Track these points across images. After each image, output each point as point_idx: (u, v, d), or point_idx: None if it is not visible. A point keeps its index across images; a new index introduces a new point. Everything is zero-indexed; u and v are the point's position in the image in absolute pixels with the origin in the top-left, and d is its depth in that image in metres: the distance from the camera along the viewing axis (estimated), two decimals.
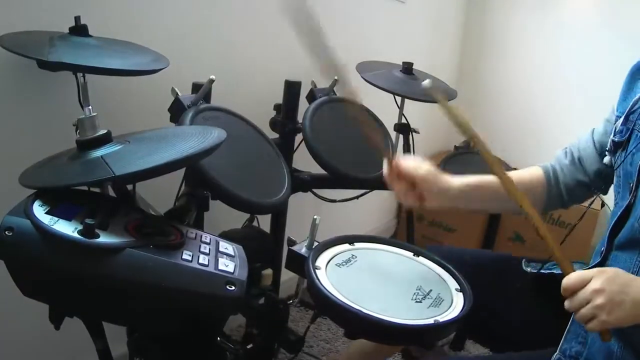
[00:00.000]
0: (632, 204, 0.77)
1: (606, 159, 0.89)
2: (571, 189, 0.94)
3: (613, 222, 0.81)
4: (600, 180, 0.91)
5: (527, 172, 0.98)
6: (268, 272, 1.01)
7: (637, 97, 0.83)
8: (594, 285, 0.69)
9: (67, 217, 0.61)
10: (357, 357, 1.18)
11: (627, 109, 0.83)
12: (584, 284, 0.70)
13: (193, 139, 0.74)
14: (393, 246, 0.89)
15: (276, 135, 1.36)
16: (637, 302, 0.69)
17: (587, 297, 0.69)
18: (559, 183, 0.95)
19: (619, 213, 0.80)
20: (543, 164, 0.99)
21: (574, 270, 0.73)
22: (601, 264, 0.81)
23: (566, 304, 0.72)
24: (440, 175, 0.88)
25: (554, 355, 0.78)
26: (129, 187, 0.81)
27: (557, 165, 0.96)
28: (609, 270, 0.71)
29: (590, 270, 0.72)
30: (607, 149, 0.88)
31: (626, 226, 0.78)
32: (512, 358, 0.83)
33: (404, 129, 1.63)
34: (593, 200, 0.99)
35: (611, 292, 0.68)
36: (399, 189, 0.87)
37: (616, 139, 0.85)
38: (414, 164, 0.87)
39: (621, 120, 0.84)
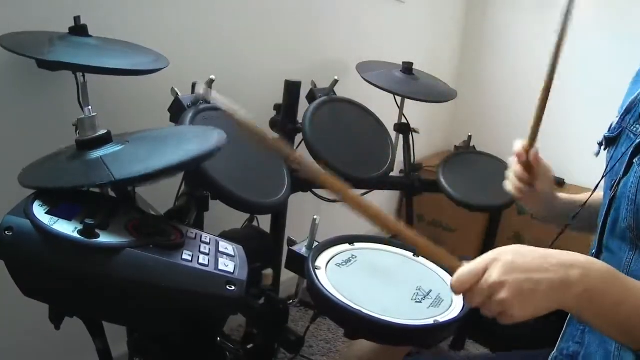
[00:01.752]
0: (613, 201, 0.76)
1: (595, 151, 0.89)
2: None
3: (601, 222, 0.79)
4: None
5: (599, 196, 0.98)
6: (268, 272, 1.01)
7: (633, 96, 0.82)
8: (492, 277, 0.59)
9: (67, 217, 0.61)
10: None
11: (625, 108, 0.83)
12: (478, 277, 0.60)
13: (194, 142, 0.74)
14: (393, 246, 0.89)
15: (276, 135, 1.36)
16: (551, 287, 0.59)
17: (486, 293, 0.59)
18: None
19: (604, 213, 0.79)
20: None
21: (460, 265, 0.63)
22: None
23: (464, 299, 0.64)
24: (553, 185, 0.92)
25: (552, 354, 0.78)
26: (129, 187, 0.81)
27: None
28: (503, 253, 0.61)
29: (481, 258, 0.62)
30: (598, 141, 0.88)
31: (609, 224, 0.77)
32: (509, 357, 0.82)
33: (404, 129, 1.63)
34: (588, 198, 0.99)
35: (515, 283, 0.58)
36: (517, 168, 0.89)
37: (607, 135, 0.85)
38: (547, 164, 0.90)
39: (617, 119, 0.84)
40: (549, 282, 0.59)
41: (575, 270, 0.59)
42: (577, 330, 0.77)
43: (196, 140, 0.75)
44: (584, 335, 0.76)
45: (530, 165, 0.89)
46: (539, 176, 0.89)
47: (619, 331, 0.62)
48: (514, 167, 0.91)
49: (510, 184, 0.93)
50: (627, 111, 0.82)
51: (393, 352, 0.99)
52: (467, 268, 0.62)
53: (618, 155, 0.79)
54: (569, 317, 0.78)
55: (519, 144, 0.90)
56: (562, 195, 0.95)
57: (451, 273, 0.64)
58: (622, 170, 0.75)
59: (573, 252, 0.62)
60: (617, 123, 0.84)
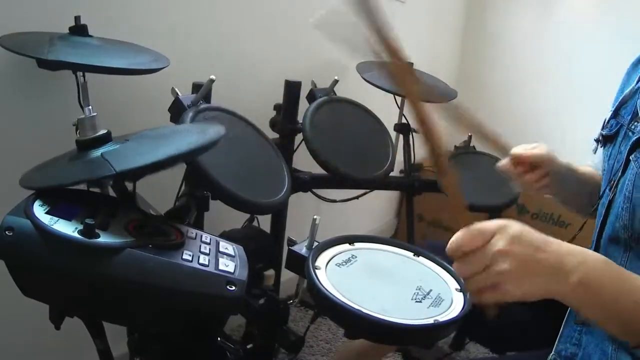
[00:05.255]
0: (612, 202, 0.76)
1: (592, 147, 0.91)
2: None
3: (599, 223, 0.79)
4: None
5: (590, 170, 1.00)
6: (270, 272, 1.01)
7: (628, 90, 0.81)
8: (499, 244, 0.56)
9: (68, 217, 0.61)
10: (351, 358, 1.18)
11: (619, 102, 0.82)
12: (485, 241, 0.57)
13: (193, 135, 0.74)
14: (393, 246, 0.89)
15: (276, 135, 1.36)
16: (548, 271, 0.57)
17: (487, 260, 0.56)
18: None
19: (602, 213, 0.78)
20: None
21: (469, 223, 0.58)
22: None
23: (456, 265, 0.59)
24: (555, 156, 0.95)
25: (550, 356, 0.77)
26: (129, 186, 0.81)
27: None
28: (512, 224, 0.58)
29: (490, 223, 0.58)
30: (595, 138, 0.89)
31: (607, 225, 0.76)
32: (507, 359, 0.82)
33: (404, 129, 1.63)
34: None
35: (520, 255, 0.55)
36: (526, 178, 0.94)
37: (605, 132, 0.84)
38: (527, 146, 0.95)
39: (611, 113, 0.84)
40: (547, 264, 0.57)
41: (571, 258, 0.58)
42: (574, 331, 0.76)
43: (196, 133, 0.75)
44: (581, 337, 0.76)
45: (531, 164, 0.94)
46: (540, 163, 0.93)
47: (616, 324, 0.62)
48: (524, 178, 0.95)
49: (525, 186, 0.96)
50: (620, 106, 0.82)
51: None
52: (475, 228, 0.58)
53: (615, 154, 0.79)
54: (565, 318, 0.78)
55: (503, 165, 0.97)
56: (576, 169, 0.98)
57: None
58: (621, 169, 0.75)
59: (570, 244, 0.61)
60: (611, 118, 0.83)
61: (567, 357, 0.76)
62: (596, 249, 0.79)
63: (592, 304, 0.60)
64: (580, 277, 0.57)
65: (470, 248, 0.57)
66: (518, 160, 0.94)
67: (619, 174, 0.75)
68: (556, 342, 0.78)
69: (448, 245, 0.59)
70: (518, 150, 0.94)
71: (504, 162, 0.97)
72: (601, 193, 0.83)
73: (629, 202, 0.70)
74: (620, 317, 0.60)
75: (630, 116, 0.79)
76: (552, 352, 0.77)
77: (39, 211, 0.60)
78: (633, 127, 0.77)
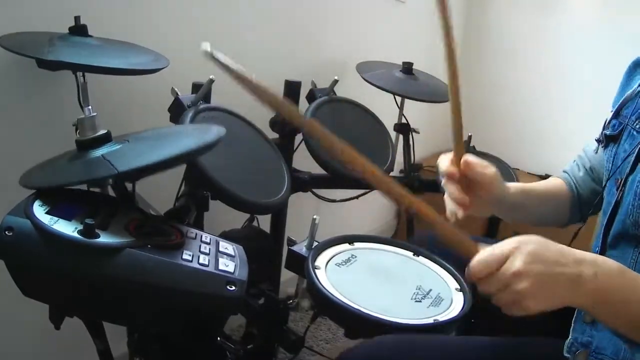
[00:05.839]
0: (620, 200, 0.76)
1: (593, 147, 0.90)
2: (588, 201, 0.94)
3: (605, 221, 0.79)
4: None
5: (552, 184, 0.97)
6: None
7: (630, 91, 0.82)
8: (515, 266, 0.58)
9: (67, 217, 0.61)
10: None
11: (620, 103, 0.83)
12: (499, 264, 0.59)
13: (193, 136, 0.74)
14: (393, 246, 0.89)
15: (276, 135, 1.36)
16: (566, 283, 0.59)
17: (504, 282, 0.58)
18: (579, 195, 0.95)
19: (609, 211, 0.78)
20: (561, 175, 0.98)
21: (478, 250, 0.61)
22: None
23: (479, 285, 0.61)
24: (502, 180, 0.82)
25: (567, 340, 0.77)
26: (129, 187, 0.81)
27: (572, 178, 0.96)
28: (525, 243, 0.59)
29: (503, 245, 0.60)
30: (597, 138, 0.88)
31: (616, 223, 0.76)
32: (524, 342, 0.81)
33: (404, 129, 1.63)
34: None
35: (537, 274, 0.57)
36: (453, 189, 0.77)
37: (608, 132, 0.84)
38: (481, 162, 0.80)
39: (612, 114, 0.84)
40: (565, 277, 0.59)
41: (587, 267, 0.60)
42: (585, 326, 0.77)
43: (197, 134, 0.75)
44: (592, 331, 0.76)
45: (467, 179, 0.79)
46: (480, 184, 0.79)
47: (629, 327, 0.63)
48: (448, 190, 0.78)
49: (450, 211, 0.78)
50: (622, 106, 0.82)
51: None
52: (488, 253, 0.60)
53: (621, 153, 0.80)
54: (575, 314, 0.78)
55: (445, 161, 0.79)
56: (512, 185, 0.88)
57: (466, 258, 0.62)
58: (629, 168, 0.75)
59: (583, 251, 0.62)
60: (612, 119, 0.84)
61: (582, 343, 0.76)
62: (603, 246, 0.79)
63: (605, 308, 0.62)
64: (595, 285, 0.59)
65: (486, 273, 0.59)
66: (464, 170, 0.78)
67: (627, 172, 0.76)
68: (571, 332, 0.78)
69: (467, 272, 0.61)
70: (471, 158, 0.79)
71: (445, 161, 0.80)
72: (603, 193, 0.84)
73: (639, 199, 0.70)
74: (633, 321, 0.62)
75: (634, 116, 0.79)
76: (570, 338, 0.77)
77: (39, 211, 0.60)
78: (637, 126, 0.78)
